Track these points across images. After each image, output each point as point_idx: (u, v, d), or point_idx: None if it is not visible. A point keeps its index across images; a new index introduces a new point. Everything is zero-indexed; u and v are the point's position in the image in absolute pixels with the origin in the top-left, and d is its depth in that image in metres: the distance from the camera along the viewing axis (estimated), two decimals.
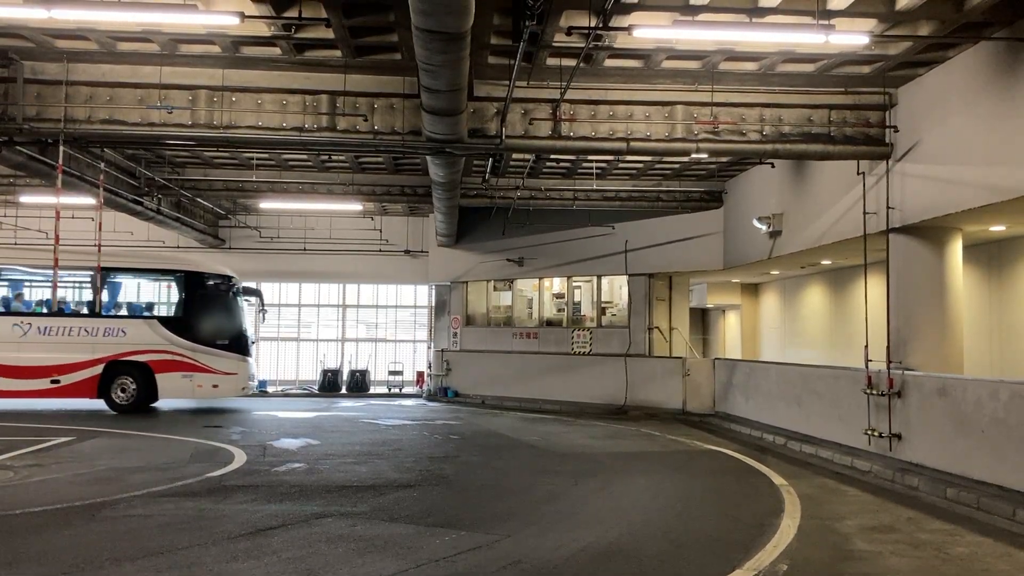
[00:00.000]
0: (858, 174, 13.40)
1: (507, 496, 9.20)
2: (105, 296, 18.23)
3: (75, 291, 18.80)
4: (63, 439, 13.10)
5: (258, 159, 18.41)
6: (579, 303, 23.85)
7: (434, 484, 9.81)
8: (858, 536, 7.47)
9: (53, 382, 17.18)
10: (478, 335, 24.39)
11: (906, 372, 11.40)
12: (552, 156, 17.08)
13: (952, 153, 11.50)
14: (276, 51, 11.68)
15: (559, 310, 23.97)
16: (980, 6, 9.82)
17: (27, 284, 18.92)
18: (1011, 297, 15.22)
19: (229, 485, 9.48)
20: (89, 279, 18.11)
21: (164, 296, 19.52)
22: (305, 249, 25.13)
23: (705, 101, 12.65)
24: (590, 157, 17.28)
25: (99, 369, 17.41)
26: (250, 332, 19.40)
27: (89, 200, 17.02)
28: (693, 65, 12.00)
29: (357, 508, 8.33)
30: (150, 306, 18.89)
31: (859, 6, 9.90)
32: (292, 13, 10.20)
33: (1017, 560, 6.83)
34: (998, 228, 13.65)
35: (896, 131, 12.72)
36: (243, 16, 9.39)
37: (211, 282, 18.34)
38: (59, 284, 17.63)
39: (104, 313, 17.96)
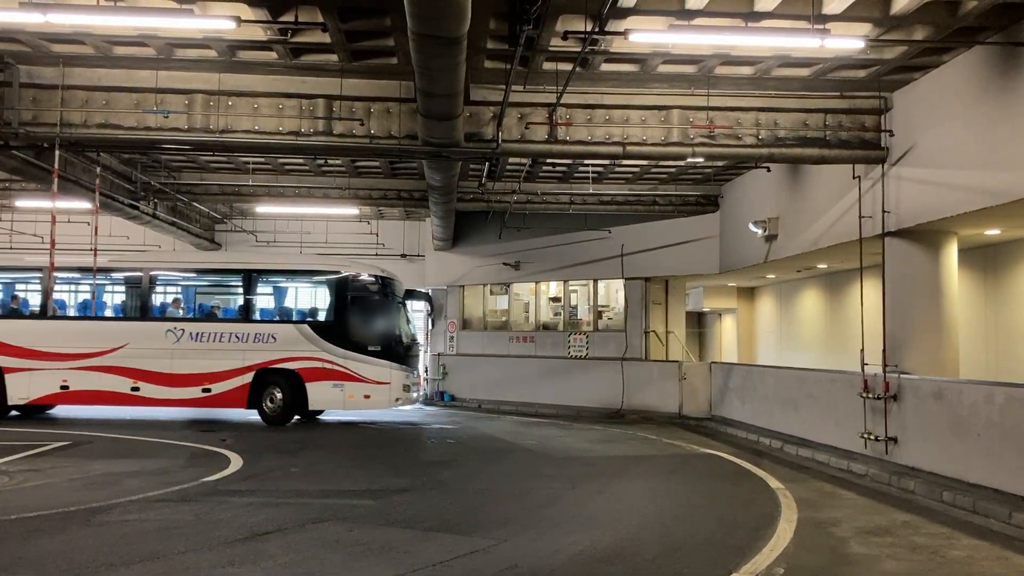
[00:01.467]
0: (854, 178, 13.43)
1: (504, 500, 9.19)
2: (255, 300, 17.34)
3: (224, 295, 17.97)
4: (59, 444, 13.06)
5: (254, 163, 18.42)
6: (575, 307, 23.85)
7: (431, 488, 9.80)
8: (854, 540, 7.47)
9: (204, 391, 16.33)
10: (475, 339, 24.39)
11: (902, 376, 11.41)
12: (548, 160, 17.09)
13: (947, 157, 11.53)
14: (272, 55, 11.69)
15: (556, 314, 23.97)
16: (975, 11, 9.86)
17: (175, 287, 17.97)
18: (1006, 300, 15.26)
19: (225, 489, 9.46)
20: (240, 282, 17.29)
21: (314, 300, 18.17)
22: (301, 253, 25.14)
23: (701, 105, 12.67)
24: (586, 161, 17.32)
25: (249, 377, 16.33)
26: (419, 337, 18.41)
27: (85, 204, 17.03)
28: (689, 69, 12.03)
29: (354, 512, 8.32)
30: (300, 310, 17.63)
31: (854, 10, 9.93)
32: (288, 17, 10.21)
33: (1013, 563, 6.84)
34: (993, 232, 13.69)
35: (891, 135, 12.76)
36: (239, 20, 9.40)
37: (365, 284, 16.74)
38: (211, 289, 18.14)
39: (254, 318, 17.01)
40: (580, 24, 9.86)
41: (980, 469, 9.39)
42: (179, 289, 17.92)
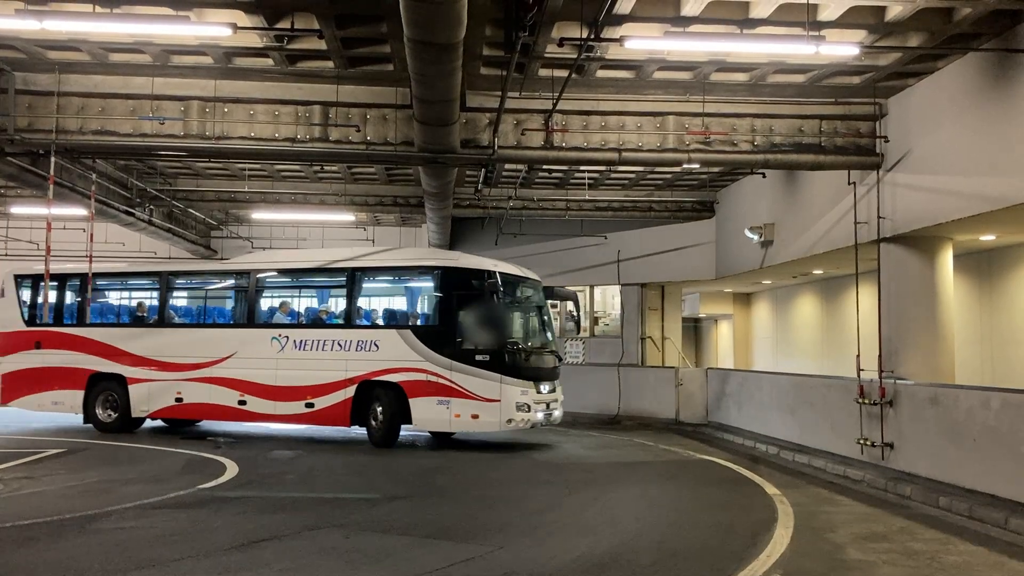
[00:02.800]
0: (849, 184, 13.46)
1: (501, 506, 9.18)
2: (358, 302, 15.14)
3: (328, 298, 16.10)
4: (54, 451, 13.02)
5: (250, 170, 18.42)
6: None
7: (427, 495, 9.78)
8: (851, 545, 7.47)
9: (307, 406, 14.44)
10: None
11: (898, 381, 11.42)
12: (544, 166, 17.12)
13: (942, 163, 11.57)
14: (268, 62, 11.70)
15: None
16: (969, 17, 9.90)
17: (281, 290, 16.19)
18: (1002, 306, 15.29)
19: (221, 496, 9.44)
20: (344, 282, 15.10)
21: (417, 300, 15.58)
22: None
23: (696, 112, 12.71)
24: (582, 167, 17.34)
25: (351, 391, 14.17)
26: (549, 342, 15.14)
27: (81, 211, 17.00)
28: (684, 76, 12.06)
29: (350, 519, 8.30)
30: (402, 313, 15.34)
31: (849, 17, 9.97)
32: (284, 24, 10.23)
33: (1010, 569, 6.84)
34: (988, 237, 13.73)
35: (886, 141, 12.80)
36: (235, 27, 9.41)
37: (475, 280, 13.61)
38: (314, 291, 16.23)
39: (357, 323, 14.87)
40: (576, 31, 9.89)
41: (976, 474, 9.40)
42: (284, 292, 16.25)
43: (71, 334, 16.39)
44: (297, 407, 14.49)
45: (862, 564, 6.87)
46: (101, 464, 11.91)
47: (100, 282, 16.93)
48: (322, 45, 10.88)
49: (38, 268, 15.66)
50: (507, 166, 16.97)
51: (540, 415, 13.75)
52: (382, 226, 25.40)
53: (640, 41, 9.93)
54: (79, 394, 15.98)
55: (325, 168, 18.22)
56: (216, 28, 9.76)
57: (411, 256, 16.39)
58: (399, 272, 15.54)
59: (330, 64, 11.72)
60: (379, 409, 14.01)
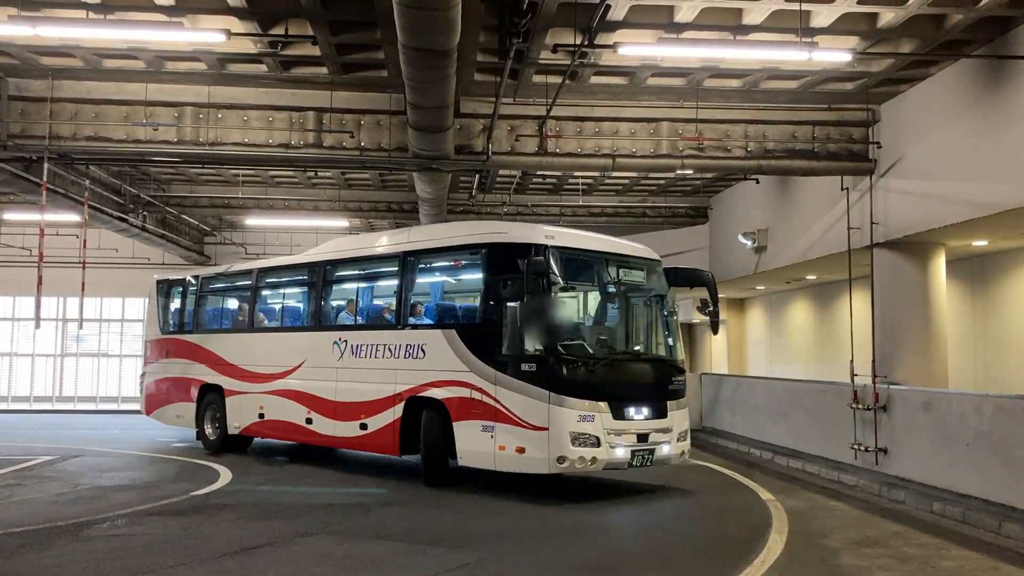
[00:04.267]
0: (842, 189, 13.51)
1: (495, 513, 9.16)
2: (410, 296, 11.66)
3: (384, 291, 12.45)
4: (45, 458, 12.97)
5: (244, 176, 18.40)
6: None
7: (421, 501, 9.75)
8: (845, 551, 7.47)
9: (361, 427, 11.48)
10: None
11: (891, 386, 11.44)
12: (538, 172, 17.14)
13: (935, 169, 11.61)
14: (262, 68, 11.70)
15: None
16: (960, 24, 9.96)
17: (346, 284, 13.14)
18: (994, 311, 15.34)
19: (215, 503, 9.40)
20: (396, 270, 11.70)
21: (459, 291, 11.97)
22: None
23: (690, 118, 12.74)
24: (576, 173, 17.37)
25: (399, 410, 10.99)
26: (655, 347, 11.18)
27: (74, 217, 16.96)
28: (678, 82, 12.09)
29: (344, 526, 8.28)
30: (447, 308, 11.61)
31: (842, 24, 10.02)
32: (278, 30, 10.23)
33: (1004, 573, 6.85)
34: (981, 243, 13.77)
35: (879, 147, 12.84)
36: (229, 33, 9.40)
37: (521, 259, 9.49)
38: (375, 284, 12.73)
39: (406, 322, 11.43)
40: (569, 37, 9.91)
41: (970, 479, 9.42)
42: (345, 286, 13.20)
43: (188, 341, 15.11)
44: (353, 428, 11.62)
45: (856, 569, 6.87)
46: (93, 471, 11.86)
47: (214, 284, 15.50)
48: (316, 51, 10.88)
49: (173, 274, 15.16)
50: (501, 172, 16.99)
51: (621, 452, 9.56)
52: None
53: (633, 47, 9.96)
54: (192, 407, 14.57)
55: (319, 174, 18.21)
56: (210, 34, 9.75)
57: (457, 233, 11.59)
58: (441, 254, 11.57)
59: (324, 70, 11.72)
60: (428, 435, 10.77)
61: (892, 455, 11.02)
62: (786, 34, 9.99)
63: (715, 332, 12.07)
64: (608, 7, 9.29)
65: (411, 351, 11.10)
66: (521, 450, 9.53)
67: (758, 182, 17.05)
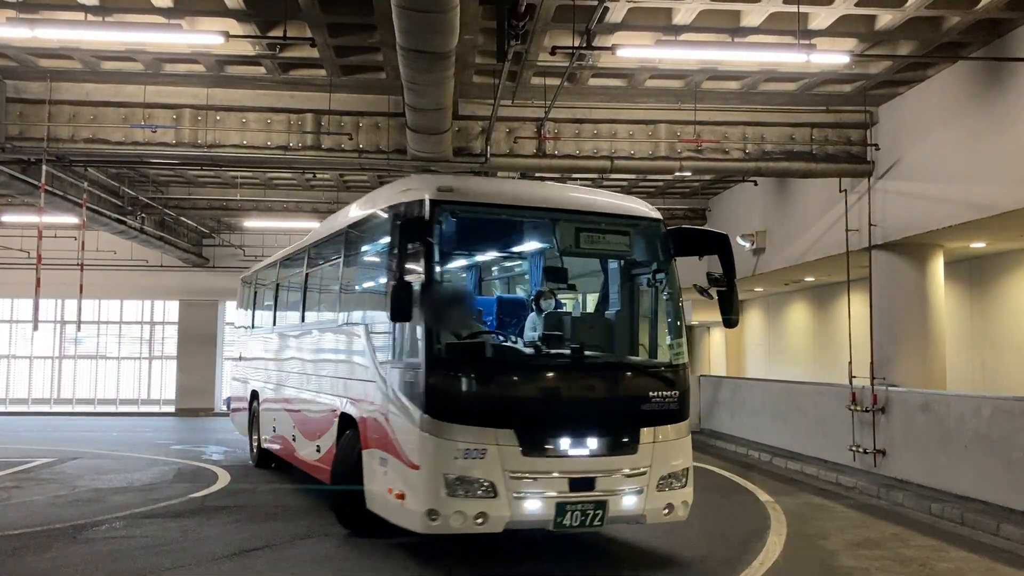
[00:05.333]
0: (840, 191, 13.52)
1: None
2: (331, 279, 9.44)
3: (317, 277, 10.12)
4: (43, 460, 12.95)
5: (242, 178, 18.39)
6: None
7: None
8: (844, 553, 7.47)
9: (316, 450, 9.23)
10: None
11: (890, 388, 11.45)
12: (537, 174, 17.13)
13: (932, 170, 11.62)
14: (261, 70, 11.69)
15: None
16: (957, 26, 9.97)
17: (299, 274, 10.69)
18: (992, 312, 15.35)
19: (213, 506, 9.39)
20: (330, 255, 9.51)
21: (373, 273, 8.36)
22: None
23: (688, 120, 12.74)
24: (575, 175, 17.34)
25: (335, 431, 8.42)
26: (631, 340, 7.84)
27: (72, 219, 16.94)
28: (676, 84, 12.10)
29: (342, 529, 8.26)
30: (362, 297, 8.53)
31: (839, 26, 10.02)
32: (277, 32, 10.21)
33: (1002, 575, 6.86)
34: (979, 245, 13.78)
35: (877, 149, 12.85)
36: (228, 35, 9.39)
37: (409, 220, 6.68)
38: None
39: (339, 320, 8.80)
40: (568, 39, 9.91)
41: (968, 481, 9.42)
42: (301, 278, 10.77)
43: (254, 339, 13.60)
44: (312, 451, 9.32)
45: (855, 571, 6.87)
46: (91, 473, 11.84)
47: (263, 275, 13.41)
48: (315, 53, 10.88)
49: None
50: (500, 174, 16.98)
51: (537, 506, 6.38)
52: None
53: (632, 50, 9.96)
54: (245, 414, 13.15)
55: (317, 176, 18.20)
56: (208, 36, 9.74)
57: (372, 200, 8.45)
58: (359, 230, 8.54)
59: (322, 72, 11.72)
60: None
61: (890, 457, 11.02)
62: (784, 36, 10.00)
63: (730, 325, 7.48)
64: (606, 9, 9.30)
65: (342, 353, 8.69)
66: (401, 496, 6.59)
67: (756, 184, 17.06)
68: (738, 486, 11.32)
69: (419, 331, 6.44)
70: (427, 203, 6.61)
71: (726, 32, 10.15)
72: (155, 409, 25.47)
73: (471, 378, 6.57)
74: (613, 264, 8.02)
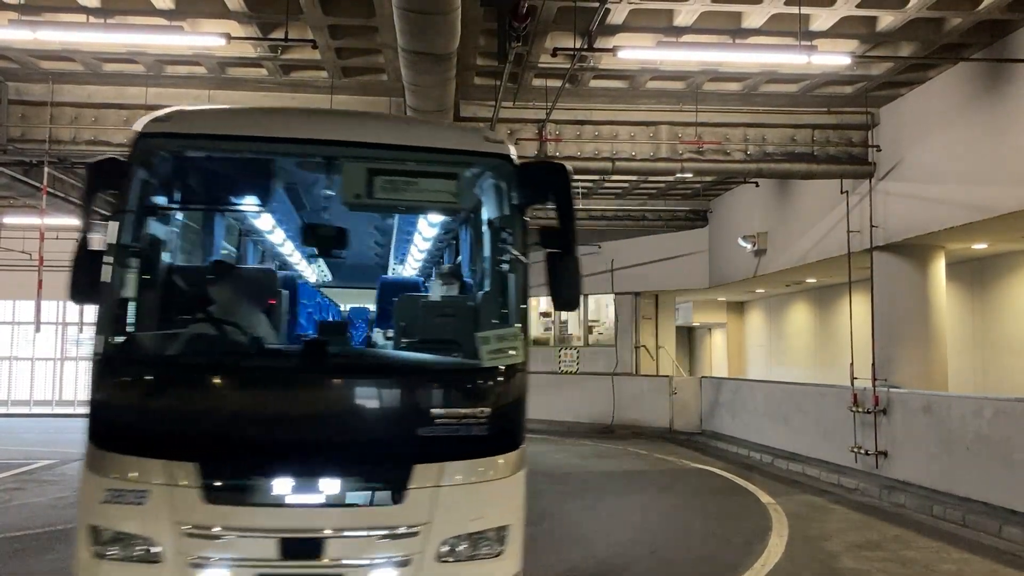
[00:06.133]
0: (841, 193, 13.51)
1: None
2: None
3: None
4: (45, 462, 12.96)
5: None
6: (566, 322, 23.84)
7: None
8: (845, 554, 7.47)
9: None
10: None
11: (891, 389, 11.44)
12: None
13: (934, 172, 11.62)
14: (262, 72, 11.70)
15: (546, 329, 23.96)
16: (959, 28, 9.97)
17: None
18: (994, 314, 15.34)
19: None
20: None
21: None
22: None
23: (689, 121, 12.73)
24: (576, 177, 17.36)
25: None
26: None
27: (74, 221, 16.94)
28: (677, 85, 12.10)
29: None
30: None
31: (841, 27, 10.02)
32: (279, 34, 10.22)
33: None
34: (980, 246, 13.78)
35: (879, 150, 12.84)
36: (229, 37, 9.40)
37: (98, 167, 4.74)
38: None
39: None
40: (569, 41, 9.91)
41: (970, 482, 9.41)
42: None
43: None
44: None
45: (857, 573, 6.87)
46: None
47: None
48: (316, 55, 10.88)
49: None
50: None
51: None
52: None
53: (633, 51, 9.96)
54: None
55: None
56: (210, 38, 9.75)
57: None
58: None
59: (324, 74, 11.72)
60: None
61: (892, 458, 11.01)
62: (785, 37, 10.00)
63: (565, 306, 4.98)
64: (607, 11, 9.30)
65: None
66: None
67: (758, 185, 17.06)
68: (739, 487, 11.31)
69: (98, 319, 4.42)
70: (135, 141, 4.67)
71: (727, 33, 10.15)
72: None
73: (137, 387, 4.53)
74: (424, 219, 6.13)
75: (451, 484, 4.41)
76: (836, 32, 10.11)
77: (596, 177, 17.20)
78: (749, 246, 17.32)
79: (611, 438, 17.82)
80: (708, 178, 17.21)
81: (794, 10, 9.34)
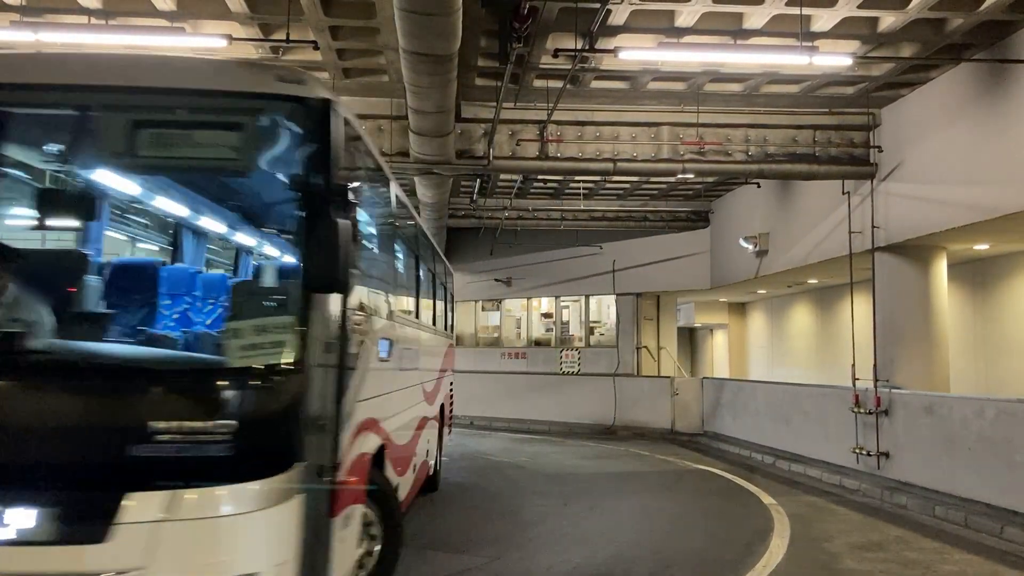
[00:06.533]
0: (843, 193, 13.50)
1: (496, 517, 9.15)
2: None
3: None
4: None
5: None
6: (567, 323, 23.86)
7: (422, 506, 9.74)
8: (847, 555, 7.47)
9: None
10: (466, 356, 24.30)
11: (893, 390, 11.44)
12: (539, 177, 17.14)
13: (935, 172, 11.61)
14: None
15: (547, 330, 23.97)
16: (960, 28, 9.96)
17: None
18: (995, 315, 15.33)
19: None
20: None
21: None
22: None
23: (691, 122, 12.73)
24: (577, 177, 17.37)
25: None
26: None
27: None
28: (678, 86, 12.09)
29: None
30: None
31: (842, 28, 10.02)
32: (280, 35, 10.22)
33: None
34: (982, 247, 13.76)
35: (880, 151, 12.84)
36: (231, 39, 9.41)
37: None
38: None
39: None
40: (570, 42, 9.91)
41: (972, 483, 9.41)
42: None
43: None
44: None
45: (858, 574, 6.87)
46: None
47: None
48: (317, 56, 10.89)
49: None
50: (502, 176, 16.98)
51: None
52: None
53: (634, 52, 9.96)
54: None
55: None
56: (211, 39, 9.74)
57: None
58: None
59: (325, 75, 11.72)
60: None
61: (894, 459, 11.01)
62: (787, 38, 9.99)
63: (323, 286, 3.80)
64: (608, 12, 9.30)
65: None
66: None
67: (759, 186, 17.05)
68: (741, 488, 11.31)
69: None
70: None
71: (729, 34, 10.14)
72: None
73: None
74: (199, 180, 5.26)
75: (176, 519, 3.47)
76: (837, 33, 10.11)
77: (598, 178, 17.21)
78: (751, 247, 17.31)
79: (613, 439, 17.83)
80: (709, 179, 17.21)
81: (795, 11, 9.33)
